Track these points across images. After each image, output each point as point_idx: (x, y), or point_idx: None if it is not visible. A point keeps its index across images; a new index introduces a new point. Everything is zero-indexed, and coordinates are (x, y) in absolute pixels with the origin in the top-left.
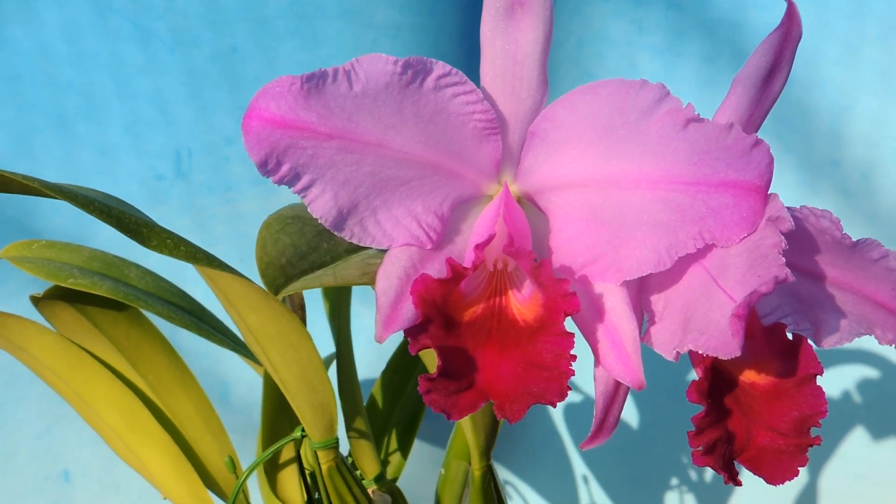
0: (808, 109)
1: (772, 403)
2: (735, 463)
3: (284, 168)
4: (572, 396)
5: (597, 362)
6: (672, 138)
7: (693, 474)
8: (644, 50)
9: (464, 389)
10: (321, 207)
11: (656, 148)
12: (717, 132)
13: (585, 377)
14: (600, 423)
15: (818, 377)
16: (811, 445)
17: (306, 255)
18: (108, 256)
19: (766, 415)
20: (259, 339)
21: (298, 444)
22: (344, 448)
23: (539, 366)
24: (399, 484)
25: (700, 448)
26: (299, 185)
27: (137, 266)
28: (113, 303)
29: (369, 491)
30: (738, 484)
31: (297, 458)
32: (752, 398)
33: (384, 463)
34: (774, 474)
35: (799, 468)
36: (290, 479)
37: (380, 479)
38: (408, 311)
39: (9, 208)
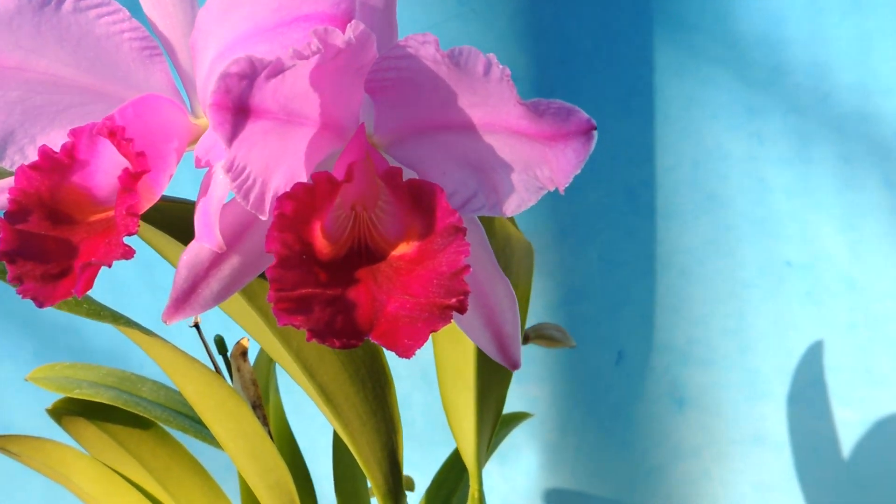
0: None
1: (414, 270)
2: (368, 338)
3: None
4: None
5: None
6: None
7: None
8: (770, 162)
9: (58, 276)
10: None
11: (250, 5)
12: None
13: None
14: (184, 293)
15: (461, 232)
16: (450, 308)
17: None
18: (124, 374)
19: (405, 282)
20: (202, 412)
21: None
22: None
23: (112, 230)
24: None
25: (277, 305)
26: None
27: (154, 382)
28: (134, 421)
29: None
30: (335, 346)
31: None
32: (397, 269)
33: None
34: (408, 344)
35: (430, 332)
36: None
37: None
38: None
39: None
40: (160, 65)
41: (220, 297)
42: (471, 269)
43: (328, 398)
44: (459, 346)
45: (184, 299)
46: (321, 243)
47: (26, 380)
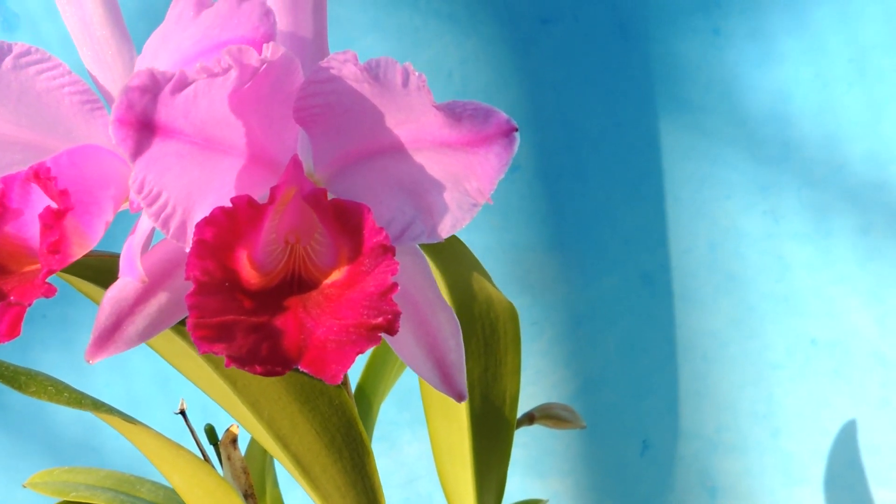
0: None
1: (343, 294)
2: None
3: None
4: None
5: None
6: (186, 28)
7: None
8: (788, 238)
9: None
10: None
11: (175, 40)
12: (221, 4)
13: None
14: (107, 330)
15: (389, 251)
16: (377, 328)
17: None
18: (123, 475)
19: (334, 307)
20: (190, 502)
21: None
22: None
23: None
24: None
25: (196, 332)
26: None
27: (154, 483)
28: None
29: None
30: (257, 372)
31: None
32: (327, 296)
33: None
34: (335, 369)
35: (356, 354)
36: None
37: None
38: None
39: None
40: (101, 119)
41: (145, 335)
42: (399, 288)
43: (304, 470)
44: (454, 423)
45: (107, 336)
46: (249, 273)
47: (24, 486)
